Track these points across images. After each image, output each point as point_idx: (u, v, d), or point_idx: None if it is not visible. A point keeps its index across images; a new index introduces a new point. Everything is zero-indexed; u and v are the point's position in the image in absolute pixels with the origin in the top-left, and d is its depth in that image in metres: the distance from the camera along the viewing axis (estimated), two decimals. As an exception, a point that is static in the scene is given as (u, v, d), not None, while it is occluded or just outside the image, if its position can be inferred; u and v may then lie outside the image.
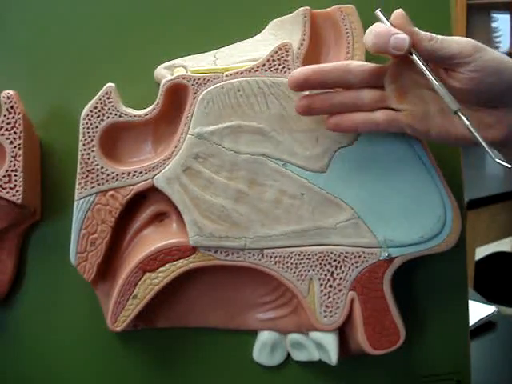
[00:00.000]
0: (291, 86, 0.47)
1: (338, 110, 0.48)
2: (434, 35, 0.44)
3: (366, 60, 0.51)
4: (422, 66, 0.44)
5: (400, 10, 0.45)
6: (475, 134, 0.43)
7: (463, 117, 0.44)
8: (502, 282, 1.75)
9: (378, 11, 0.46)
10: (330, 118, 0.48)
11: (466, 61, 0.43)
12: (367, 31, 0.45)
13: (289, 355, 0.56)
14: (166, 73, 0.51)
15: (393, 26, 0.45)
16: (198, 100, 0.49)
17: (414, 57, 0.44)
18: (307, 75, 0.46)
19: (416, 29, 0.44)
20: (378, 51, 0.45)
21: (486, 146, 0.43)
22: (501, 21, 3.14)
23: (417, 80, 0.46)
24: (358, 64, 0.47)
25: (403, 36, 0.43)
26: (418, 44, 0.44)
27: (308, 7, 0.51)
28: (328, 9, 0.52)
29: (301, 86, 0.47)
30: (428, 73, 0.44)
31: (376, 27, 0.45)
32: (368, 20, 0.51)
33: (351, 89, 0.48)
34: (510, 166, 0.44)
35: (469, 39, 0.44)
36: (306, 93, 0.48)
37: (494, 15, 3.14)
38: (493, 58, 0.44)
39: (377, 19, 0.46)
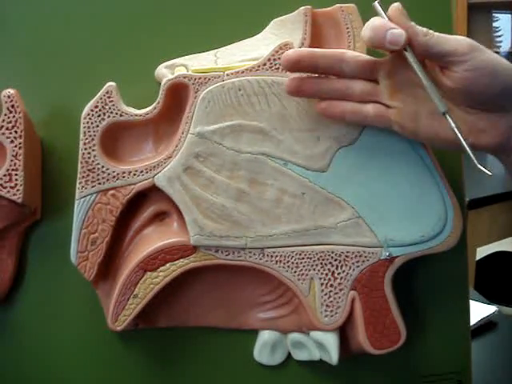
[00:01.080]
0: (284, 64, 0.46)
1: (326, 95, 0.48)
2: (430, 31, 0.43)
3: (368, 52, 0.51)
4: (414, 63, 0.44)
5: (397, 4, 0.44)
6: (460, 137, 0.43)
7: (450, 119, 0.43)
8: (502, 282, 1.75)
9: (375, 3, 0.45)
10: (320, 102, 0.48)
11: (461, 59, 0.42)
12: (365, 25, 0.45)
13: (289, 355, 0.56)
14: (167, 72, 0.51)
15: (390, 19, 0.44)
16: (199, 99, 0.49)
17: (407, 53, 0.44)
18: (300, 56, 0.46)
19: (412, 23, 0.44)
20: (375, 46, 0.45)
21: (468, 151, 0.43)
22: (502, 20, 3.14)
23: (411, 78, 0.45)
24: (354, 54, 0.47)
25: (399, 31, 0.43)
26: (413, 39, 0.43)
27: (309, 6, 0.51)
28: (329, 8, 0.52)
29: (293, 65, 0.46)
30: (419, 71, 0.44)
31: (373, 21, 0.44)
32: (369, 19, 0.51)
33: (343, 78, 0.48)
34: (490, 173, 0.44)
35: (466, 38, 0.43)
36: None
37: (495, 15, 3.14)
38: (489, 59, 0.43)
39: (375, 13, 0.45)
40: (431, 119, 0.46)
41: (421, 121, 0.46)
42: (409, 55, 0.44)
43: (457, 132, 0.43)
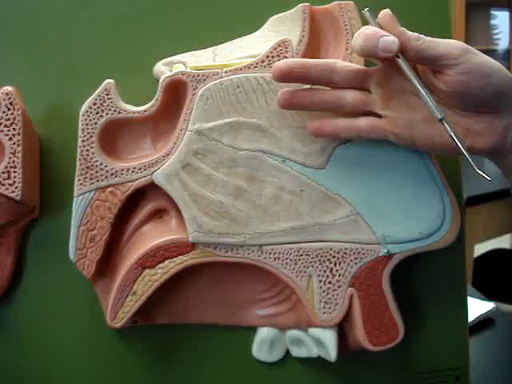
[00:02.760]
0: (274, 75, 0.46)
1: (318, 107, 0.48)
2: (421, 36, 0.43)
3: (365, 59, 0.51)
4: (407, 70, 0.44)
5: (387, 10, 0.44)
6: (458, 143, 0.43)
7: (447, 126, 0.43)
8: (500, 279, 1.75)
9: (365, 11, 0.45)
10: (312, 123, 0.48)
11: (454, 62, 0.42)
12: (355, 34, 0.44)
13: (288, 351, 0.56)
14: (165, 69, 0.51)
15: (380, 26, 0.44)
16: (197, 96, 0.49)
17: (400, 60, 0.44)
18: (291, 67, 0.45)
19: (403, 29, 0.44)
20: (366, 54, 0.44)
21: (468, 156, 0.43)
22: (500, 18, 3.15)
23: (404, 86, 0.45)
24: (345, 64, 0.46)
25: (392, 38, 0.43)
26: (405, 44, 0.43)
27: (307, 3, 0.51)
28: (327, 5, 0.52)
29: (284, 77, 0.46)
30: (413, 77, 0.44)
31: (363, 30, 0.44)
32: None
33: (335, 88, 0.47)
34: (489, 178, 0.43)
35: (458, 41, 0.43)
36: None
37: (493, 12, 3.15)
38: (481, 61, 0.43)
39: (366, 21, 0.45)
40: (426, 126, 0.45)
41: (416, 128, 0.45)
42: (401, 62, 0.44)
43: (455, 138, 0.43)
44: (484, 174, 0.43)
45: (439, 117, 0.43)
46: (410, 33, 0.43)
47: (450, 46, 0.43)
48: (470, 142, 0.44)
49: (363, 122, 0.47)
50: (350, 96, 0.47)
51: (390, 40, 0.43)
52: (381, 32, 0.43)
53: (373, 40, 0.43)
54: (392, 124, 0.46)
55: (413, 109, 0.45)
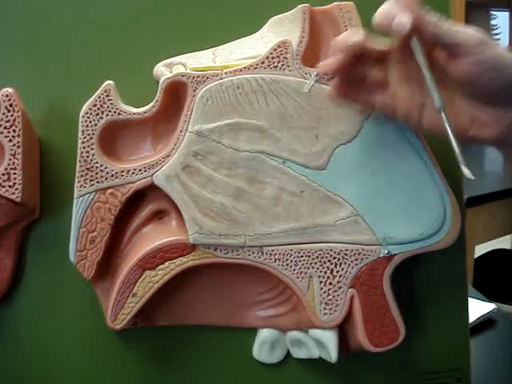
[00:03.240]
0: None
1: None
2: (440, 21, 0.43)
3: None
4: (418, 54, 0.44)
5: None
6: (451, 136, 0.43)
7: (444, 116, 0.43)
8: (501, 280, 1.75)
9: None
10: (337, 89, 0.48)
11: (470, 52, 0.42)
12: (379, 8, 0.44)
13: (288, 353, 0.56)
14: (165, 70, 0.51)
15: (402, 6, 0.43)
16: (198, 97, 0.49)
17: (413, 43, 0.43)
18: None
19: (424, 12, 0.43)
20: (382, 30, 0.44)
21: (457, 151, 0.43)
22: (500, 18, 3.14)
23: (419, 67, 0.45)
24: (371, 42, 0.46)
25: (405, 20, 0.42)
26: (424, 27, 0.43)
27: (307, 4, 0.51)
28: (327, 6, 0.52)
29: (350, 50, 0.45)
30: (421, 62, 0.44)
31: (384, 6, 0.43)
32: (367, 17, 0.51)
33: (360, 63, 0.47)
34: (473, 177, 0.43)
35: (476, 31, 0.43)
36: None
37: (493, 12, 3.15)
38: (496, 54, 0.42)
39: None
40: (435, 111, 0.45)
41: (426, 111, 0.46)
42: (415, 46, 0.44)
43: (448, 131, 0.43)
44: (468, 172, 0.43)
45: (438, 106, 0.43)
46: (431, 16, 0.43)
47: (467, 34, 0.42)
48: (474, 132, 0.44)
49: (377, 98, 0.47)
50: (372, 73, 0.47)
51: (402, 22, 0.42)
52: (397, 11, 0.43)
53: (388, 18, 0.43)
54: (403, 103, 0.46)
55: (425, 92, 0.45)
